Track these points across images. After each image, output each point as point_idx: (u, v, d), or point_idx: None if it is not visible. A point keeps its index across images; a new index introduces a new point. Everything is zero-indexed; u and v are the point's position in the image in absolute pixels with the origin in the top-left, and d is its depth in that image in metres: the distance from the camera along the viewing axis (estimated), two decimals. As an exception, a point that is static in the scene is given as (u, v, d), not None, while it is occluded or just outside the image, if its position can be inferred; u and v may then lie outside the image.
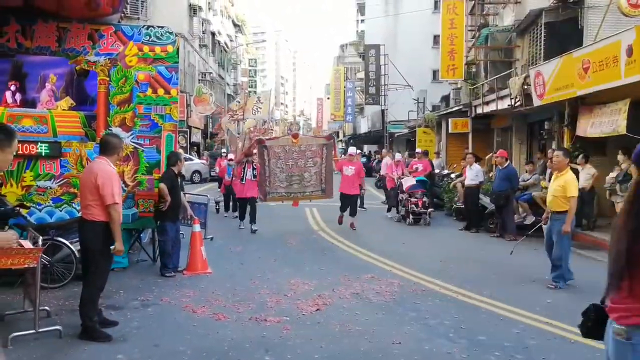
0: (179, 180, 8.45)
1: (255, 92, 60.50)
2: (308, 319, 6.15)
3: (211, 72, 44.59)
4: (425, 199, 14.44)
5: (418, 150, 20.43)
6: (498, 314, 6.50)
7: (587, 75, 11.06)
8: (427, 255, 10.08)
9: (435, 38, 32.14)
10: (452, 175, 17.30)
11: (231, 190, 14.23)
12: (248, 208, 12.88)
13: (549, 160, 13.33)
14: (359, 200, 14.77)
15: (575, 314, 6.41)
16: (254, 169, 12.65)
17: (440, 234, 13.07)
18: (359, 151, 20.04)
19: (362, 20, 55.20)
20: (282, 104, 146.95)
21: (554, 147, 15.27)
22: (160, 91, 8.08)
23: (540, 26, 16.40)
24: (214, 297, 6.94)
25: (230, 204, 15.26)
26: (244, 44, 67.94)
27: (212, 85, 42.89)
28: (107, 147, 5.52)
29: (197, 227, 8.68)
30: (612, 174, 11.12)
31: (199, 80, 39.21)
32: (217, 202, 16.24)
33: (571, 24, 15.03)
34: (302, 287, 7.55)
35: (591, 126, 11.89)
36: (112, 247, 5.35)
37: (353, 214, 13.10)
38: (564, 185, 7.66)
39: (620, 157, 11.06)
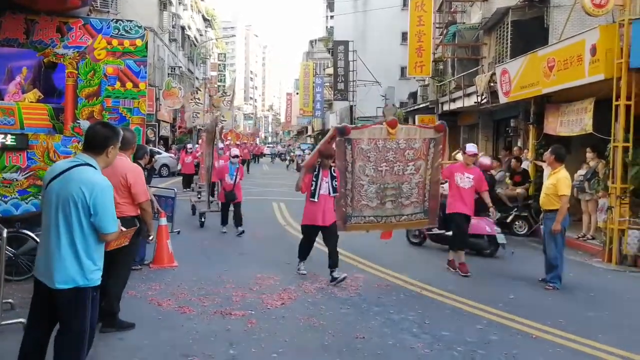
0: (146, 173, 8.30)
1: (224, 86, 60.06)
2: (273, 313, 6.12)
3: (180, 66, 44.26)
4: None
5: None
6: (462, 309, 6.52)
7: (552, 73, 11.22)
8: (393, 251, 10.08)
9: (404, 35, 32.36)
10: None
11: (232, 198, 11.47)
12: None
13: (514, 159, 13.55)
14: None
15: (538, 309, 6.55)
16: (333, 177, 7.69)
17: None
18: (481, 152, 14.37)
19: (332, 17, 55.23)
20: (251, 98, 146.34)
21: (519, 144, 15.53)
22: (129, 85, 7.97)
23: (507, 24, 16.60)
24: (180, 291, 6.86)
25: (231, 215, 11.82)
26: (213, 38, 67.30)
27: (182, 79, 42.56)
28: (124, 143, 5.38)
29: (163, 221, 8.61)
30: (581, 172, 11.28)
31: (169, 74, 38.83)
32: (196, 208, 13.54)
33: (537, 22, 15.26)
34: (268, 281, 7.49)
35: (560, 125, 12.06)
36: (150, 238, 5.92)
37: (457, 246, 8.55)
38: (555, 184, 7.65)
39: (589, 155, 11.22)
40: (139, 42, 8.06)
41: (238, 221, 11.30)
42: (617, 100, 9.37)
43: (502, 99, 14.10)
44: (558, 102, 12.33)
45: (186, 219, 12.89)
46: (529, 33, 15.28)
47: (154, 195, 9.32)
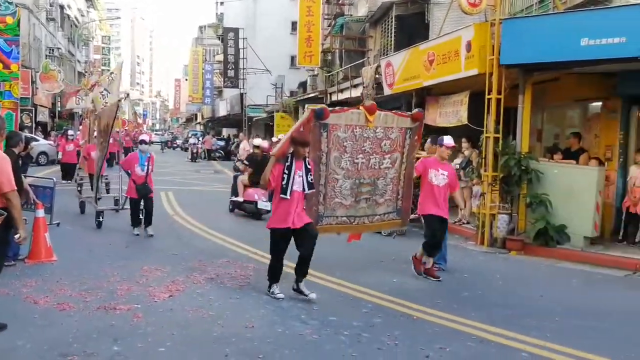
0: (21, 162, 7.73)
1: (108, 70, 57.16)
2: (160, 305, 5.97)
3: (60, 48, 41.49)
4: None
5: (279, 137, 20.04)
6: (348, 294, 6.75)
7: (432, 67, 11.81)
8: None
9: (294, 24, 32.49)
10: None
11: (145, 192, 10.00)
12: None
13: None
14: None
15: (419, 292, 6.92)
16: (308, 170, 6.38)
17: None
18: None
19: (222, 3, 54.25)
20: (137, 83, 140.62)
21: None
22: (-1, 66, 7.38)
23: (391, 19, 17.24)
24: (59, 286, 6.50)
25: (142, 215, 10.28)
26: (96, 19, 63.71)
27: (61, 62, 40.00)
28: None
29: (40, 212, 8.07)
30: (457, 161, 11.99)
31: (46, 55, 36.32)
32: (85, 206, 12.32)
33: (419, 18, 16.00)
34: (155, 273, 7.29)
35: (439, 116, 12.73)
36: (17, 236, 5.02)
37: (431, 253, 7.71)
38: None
39: (464, 144, 11.97)
40: (9, 20, 7.54)
41: (148, 220, 10.04)
42: (489, 94, 10.06)
43: (387, 91, 14.63)
44: (437, 95, 13.01)
45: (67, 210, 12.13)
46: (412, 28, 16.00)
47: (31, 185, 8.72)
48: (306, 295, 6.25)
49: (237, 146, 27.44)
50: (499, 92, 10.01)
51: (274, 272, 6.51)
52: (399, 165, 7.51)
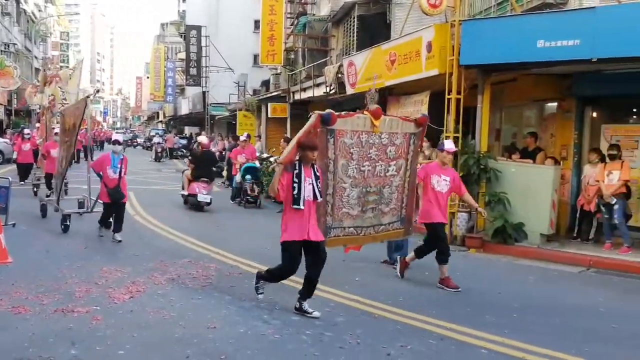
0: None
1: (67, 67, 55.75)
2: (120, 307, 5.88)
3: (16, 44, 40.31)
4: (254, 185, 14.44)
5: (244, 136, 18.52)
6: (311, 293, 6.77)
7: (394, 67, 11.92)
8: (245, 238, 10.16)
9: (256, 23, 32.31)
10: (272, 159, 17.60)
11: (118, 197, 9.41)
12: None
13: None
14: None
15: (380, 290, 6.97)
16: (317, 177, 5.93)
17: (258, 216, 13.24)
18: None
19: (184, 0, 53.60)
20: (98, 81, 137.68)
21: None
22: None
23: (354, 18, 17.32)
24: (14, 289, 6.32)
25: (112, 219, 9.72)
26: (54, 15, 62.09)
27: (17, 58, 38.88)
28: None
29: (-6, 213, 7.75)
30: (420, 160, 12.12)
31: (1, 51, 35.32)
32: (47, 209, 11.60)
33: (381, 18, 16.12)
34: (115, 274, 7.17)
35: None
36: None
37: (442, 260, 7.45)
38: None
39: (425, 144, 12.10)
40: None
41: (118, 227, 9.41)
42: (449, 93, 10.23)
43: (349, 90, 14.70)
44: (398, 95, 13.14)
45: (23, 210, 11.75)
46: (374, 28, 16.11)
47: None
48: (310, 314, 5.86)
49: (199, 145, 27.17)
50: (459, 92, 10.18)
51: (280, 277, 6.20)
52: (404, 172, 7.22)
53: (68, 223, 9.95)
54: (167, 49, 60.63)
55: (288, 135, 19.31)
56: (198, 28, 38.06)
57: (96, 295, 6.27)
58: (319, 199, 5.92)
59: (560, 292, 7.51)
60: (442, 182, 7.31)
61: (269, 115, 24.32)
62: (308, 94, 19.78)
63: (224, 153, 22.34)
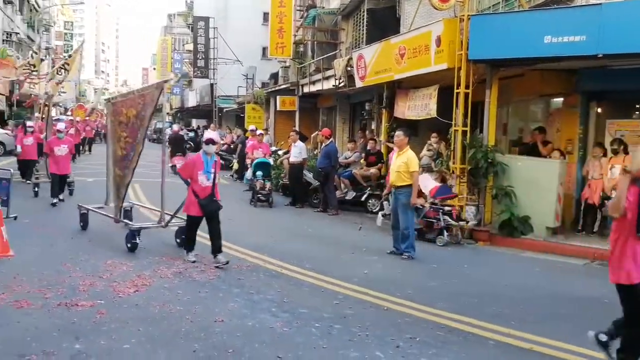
0: None
1: (70, 56, 55.81)
2: (125, 301, 5.82)
3: (18, 33, 40.05)
4: (266, 182, 13.65)
5: (259, 130, 17.88)
6: (319, 286, 6.77)
7: (403, 60, 11.88)
8: (254, 231, 10.18)
9: (265, 15, 32.22)
10: (280, 152, 17.62)
11: (213, 208, 7.72)
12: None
13: (370, 140, 14.27)
14: None
15: (389, 282, 6.99)
16: None
17: (267, 209, 13.25)
18: None
19: (192, -9, 53.56)
20: (103, 72, 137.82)
21: (373, 127, 16.31)
22: (-49, 51, 7.02)
23: (363, 12, 17.25)
24: (16, 283, 6.24)
25: None
26: (58, 4, 62.06)
27: (20, 47, 38.70)
28: None
29: (-5, 206, 7.66)
30: (428, 153, 12.12)
31: (4, 40, 35.09)
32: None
33: (390, 12, 16.03)
34: (120, 267, 7.13)
35: (408, 109, 12.83)
36: None
37: None
38: (406, 162, 8.39)
39: (433, 138, 12.15)
40: None
41: (218, 244, 7.68)
42: (457, 88, 10.20)
43: (358, 83, 14.67)
44: (407, 88, 13.11)
45: (25, 203, 11.68)
46: (383, 21, 16.03)
47: None
48: None
49: (207, 137, 27.19)
50: (467, 87, 10.16)
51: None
52: None
53: (137, 241, 8.08)
54: (175, 40, 60.53)
55: (297, 128, 19.30)
56: (206, 19, 37.94)
57: (101, 289, 6.20)
58: None
59: (565, 284, 7.53)
60: None
61: (278, 108, 24.30)
62: (317, 87, 19.74)
63: (232, 146, 22.31)
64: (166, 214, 8.54)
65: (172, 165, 14.15)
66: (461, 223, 9.80)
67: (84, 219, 9.51)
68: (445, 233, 9.56)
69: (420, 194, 9.47)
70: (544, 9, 10.23)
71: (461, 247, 9.64)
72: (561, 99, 11.28)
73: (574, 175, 10.69)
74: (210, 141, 7.87)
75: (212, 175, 7.62)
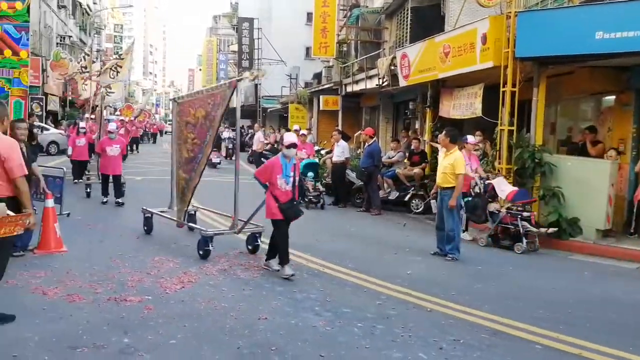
0: (26, 150, 7.42)
1: (122, 57, 57.26)
2: (172, 297, 5.95)
3: (71, 36, 41.38)
4: (316, 183, 13.49)
5: (303, 131, 18.28)
6: (362, 286, 6.76)
7: (448, 59, 11.74)
8: (297, 230, 10.19)
9: (309, 15, 32.36)
10: (322, 152, 17.66)
11: (294, 214, 7.36)
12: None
13: (413, 139, 14.17)
14: None
15: (432, 283, 6.92)
16: None
17: (309, 208, 13.27)
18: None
19: (236, -8, 54.22)
20: (150, 73, 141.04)
21: (417, 126, 16.17)
22: (7, 52, 7.30)
23: (407, 10, 17.12)
24: (69, 278, 6.46)
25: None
26: (108, 7, 63.87)
27: (73, 50, 39.91)
28: None
29: (50, 202, 7.99)
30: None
31: (57, 43, 36.24)
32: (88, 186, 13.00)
33: (435, 10, 15.87)
34: (167, 264, 7.30)
35: (453, 108, 12.67)
36: (27, 222, 4.78)
37: None
38: (452, 164, 8.26)
39: (478, 137, 11.92)
40: (18, 5, 7.41)
41: (284, 258, 7.17)
42: (504, 86, 10.01)
43: (402, 82, 14.57)
44: (452, 87, 12.94)
45: (77, 200, 12.11)
46: (427, 20, 15.87)
47: (42, 174, 8.57)
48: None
49: (252, 137, 27.51)
50: (514, 85, 9.96)
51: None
52: None
53: (210, 247, 7.83)
54: (220, 41, 61.46)
55: (340, 127, 19.30)
56: (250, 20, 38.43)
57: (148, 284, 6.35)
58: None
59: (616, 288, 7.28)
60: None
61: (321, 108, 24.37)
62: (360, 86, 19.71)
63: (276, 146, 22.47)
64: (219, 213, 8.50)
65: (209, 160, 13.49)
66: (542, 230, 9.24)
67: (147, 222, 9.40)
68: (524, 240, 9.07)
69: (494, 198, 9.38)
70: (595, 3, 9.92)
71: (508, 250, 9.44)
72: (613, 97, 10.92)
73: (626, 175, 10.32)
74: (292, 145, 7.30)
75: (292, 179, 7.24)
